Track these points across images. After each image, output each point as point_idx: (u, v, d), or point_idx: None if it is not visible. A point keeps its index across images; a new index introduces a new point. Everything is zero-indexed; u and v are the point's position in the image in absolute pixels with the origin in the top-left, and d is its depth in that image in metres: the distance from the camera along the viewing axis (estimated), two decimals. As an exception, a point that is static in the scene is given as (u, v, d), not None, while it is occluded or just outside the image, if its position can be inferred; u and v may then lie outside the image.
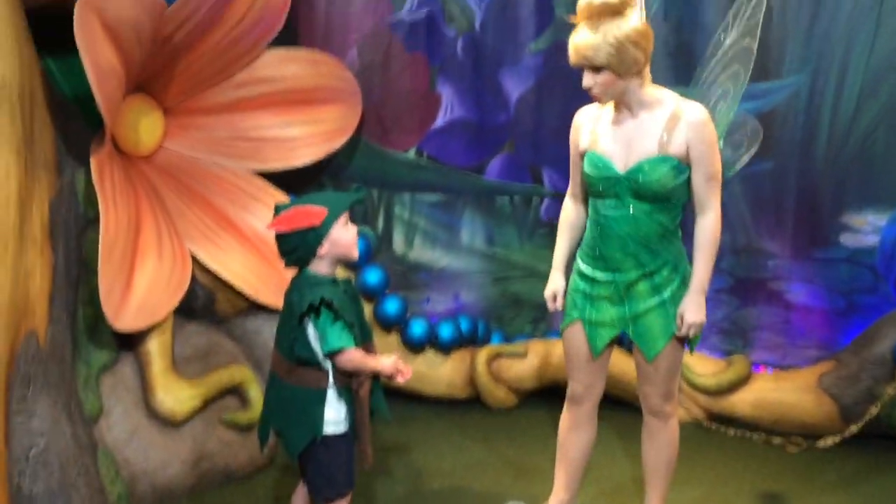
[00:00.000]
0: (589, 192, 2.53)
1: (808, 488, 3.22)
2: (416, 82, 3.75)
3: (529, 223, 3.92)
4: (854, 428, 3.43)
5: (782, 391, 3.57)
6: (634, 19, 2.28)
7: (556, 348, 3.78)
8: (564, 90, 3.73)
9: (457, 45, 3.71)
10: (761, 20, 3.29)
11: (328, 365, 2.24)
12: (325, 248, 2.22)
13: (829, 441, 3.46)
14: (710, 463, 3.37)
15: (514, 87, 3.78)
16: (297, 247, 2.21)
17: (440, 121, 3.79)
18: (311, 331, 2.21)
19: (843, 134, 3.53)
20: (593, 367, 2.62)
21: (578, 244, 2.65)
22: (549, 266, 3.86)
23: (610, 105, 2.47)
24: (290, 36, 3.54)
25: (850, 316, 3.68)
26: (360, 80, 3.61)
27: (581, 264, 2.57)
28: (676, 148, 2.36)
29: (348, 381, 2.25)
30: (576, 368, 2.64)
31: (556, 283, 2.67)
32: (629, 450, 3.43)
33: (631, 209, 2.41)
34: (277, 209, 2.25)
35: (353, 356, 2.21)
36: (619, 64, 2.27)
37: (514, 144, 3.83)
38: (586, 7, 2.28)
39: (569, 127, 3.74)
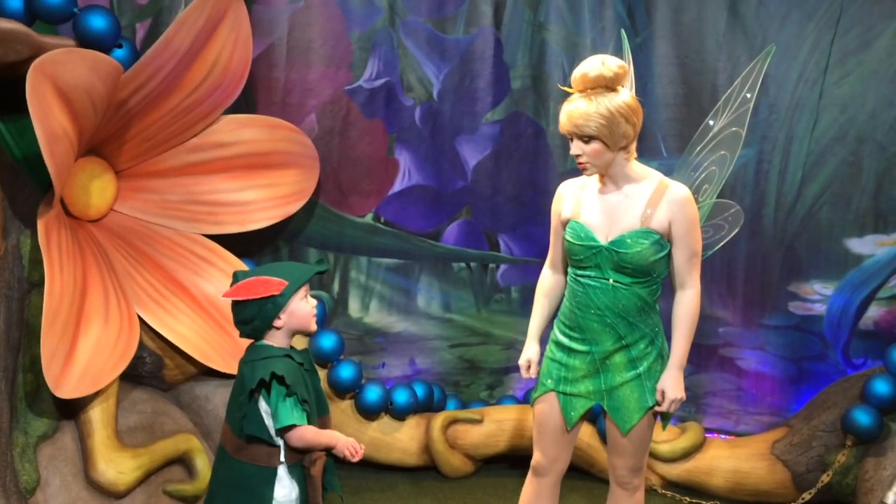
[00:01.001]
0: (570, 262, 2.55)
1: (764, 558, 3.21)
2: (374, 148, 3.79)
3: (486, 289, 3.93)
4: (807, 496, 3.44)
5: (736, 458, 3.58)
6: (626, 94, 2.36)
7: (512, 414, 3.75)
8: (521, 158, 3.81)
9: (415, 113, 3.77)
10: (751, 108, 3.41)
11: (280, 441, 2.18)
12: (282, 320, 2.19)
13: (783, 509, 3.48)
14: (666, 532, 3.35)
15: (471, 154, 3.84)
16: (253, 317, 2.17)
17: (398, 186, 3.83)
18: (262, 406, 2.16)
19: (790, 204, 3.64)
20: (563, 439, 2.59)
21: (554, 314, 2.66)
22: (506, 332, 3.94)
23: (594, 177, 2.51)
24: (248, 102, 3.57)
25: (801, 383, 3.73)
26: (319, 146, 3.64)
27: (558, 334, 2.57)
28: (658, 224, 2.40)
29: (301, 458, 2.19)
30: (545, 440, 2.61)
31: (530, 351, 2.67)
32: (585, 519, 3.39)
33: (611, 281, 2.43)
34: (236, 277, 2.21)
35: (305, 434, 2.16)
36: (609, 135, 2.33)
37: (470, 210, 3.87)
38: (581, 78, 2.35)
39: (525, 193, 3.85)
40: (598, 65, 2.34)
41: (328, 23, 3.64)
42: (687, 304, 2.44)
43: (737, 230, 3.43)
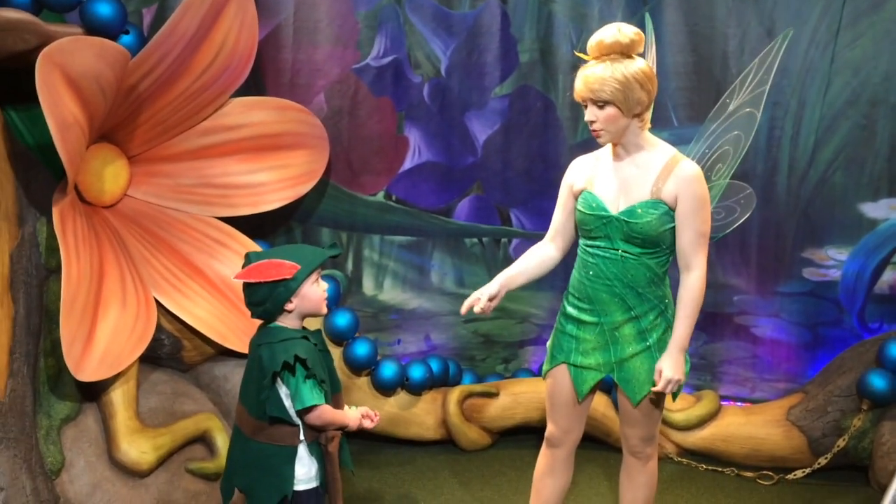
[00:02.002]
0: (581, 233, 2.55)
1: (780, 522, 3.24)
2: (383, 126, 3.80)
3: (499, 263, 3.94)
4: (823, 460, 3.46)
5: (752, 425, 3.60)
6: (642, 61, 2.36)
7: (528, 387, 3.78)
8: (531, 132, 3.80)
9: (423, 90, 3.77)
10: (768, 90, 3.38)
11: (299, 421, 2.21)
12: (293, 304, 2.20)
13: (798, 474, 3.49)
14: (683, 499, 3.37)
15: (481, 130, 3.83)
16: (264, 299, 2.19)
17: (408, 164, 3.84)
18: (282, 388, 2.19)
19: (803, 169, 3.61)
20: (575, 410, 2.61)
21: (529, 279, 2.62)
22: (520, 306, 3.96)
23: (606, 150, 2.52)
24: (256, 84, 3.58)
25: (816, 349, 3.73)
26: (328, 126, 3.65)
27: (567, 307, 2.58)
28: (667, 196, 2.39)
29: (318, 436, 2.23)
30: (557, 412, 2.63)
31: (486, 288, 2.53)
32: (600, 488, 3.42)
33: (620, 251, 2.44)
34: (248, 259, 2.23)
35: (324, 413, 2.19)
36: (624, 101, 2.33)
37: (481, 186, 3.87)
38: (597, 45, 2.36)
39: (535, 168, 3.84)
40: (614, 31, 2.35)
41: (334, 2, 3.64)
42: (691, 286, 2.43)
43: (749, 213, 3.43)
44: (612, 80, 2.31)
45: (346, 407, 2.33)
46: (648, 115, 2.45)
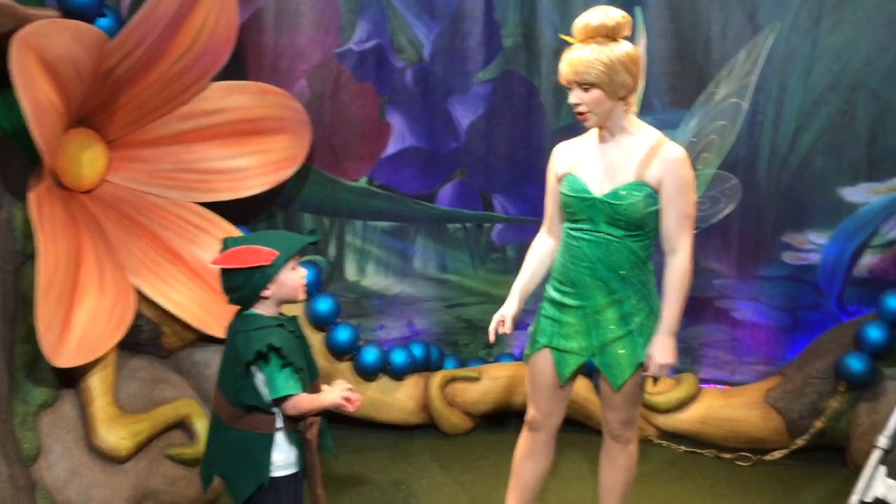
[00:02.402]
0: (565, 216, 2.55)
1: (758, 502, 3.27)
2: (366, 111, 3.78)
3: (482, 249, 3.95)
4: (800, 441, 3.50)
5: (731, 407, 3.63)
6: (627, 44, 2.37)
7: (509, 371, 3.80)
8: (514, 117, 3.79)
9: (406, 75, 3.76)
10: (754, 82, 3.39)
11: (276, 408, 2.20)
12: (270, 290, 2.18)
13: (777, 455, 3.53)
14: (662, 480, 3.41)
15: (464, 115, 3.82)
16: (241, 285, 2.17)
17: (391, 149, 3.82)
18: (258, 376, 2.18)
19: (784, 154, 3.63)
20: (557, 394, 2.62)
21: (542, 279, 2.64)
22: (503, 291, 3.95)
23: (591, 135, 2.53)
24: (237, 68, 3.56)
25: (795, 332, 3.76)
26: (310, 110, 3.63)
27: (551, 290, 2.59)
28: (651, 178, 2.40)
29: (297, 424, 2.22)
30: (538, 395, 2.64)
31: (508, 307, 2.63)
32: (580, 471, 3.45)
33: (604, 234, 2.45)
34: (226, 244, 2.21)
35: (300, 402, 2.18)
36: (609, 83, 2.34)
37: (465, 171, 3.87)
38: (583, 28, 2.36)
39: (519, 153, 3.84)
40: (600, 14, 2.35)
41: (316, -15, 3.61)
42: (677, 269, 2.44)
43: (734, 205, 3.44)
44: (597, 62, 2.32)
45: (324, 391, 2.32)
46: (633, 99, 2.46)
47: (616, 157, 2.44)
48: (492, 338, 2.64)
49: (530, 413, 2.68)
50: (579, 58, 2.34)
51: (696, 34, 3.57)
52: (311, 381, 2.25)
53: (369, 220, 3.89)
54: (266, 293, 2.19)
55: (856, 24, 3.45)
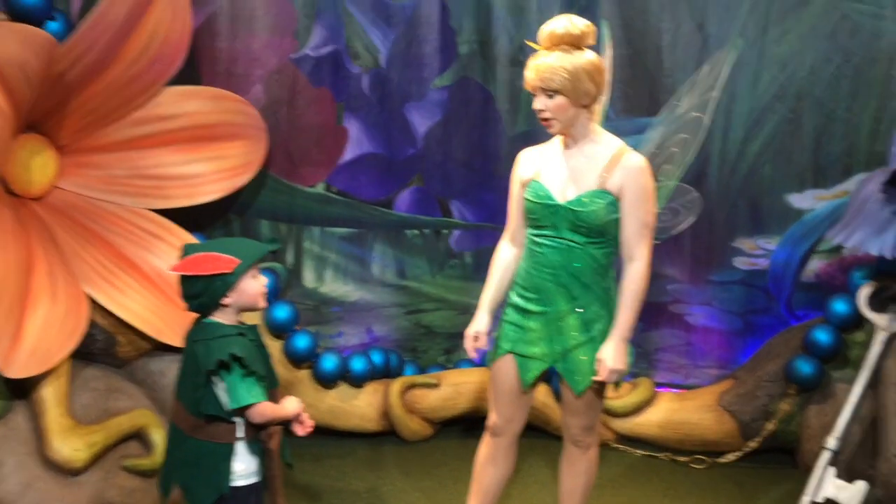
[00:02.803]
0: (527, 223, 2.57)
1: (713, 503, 3.32)
2: (322, 117, 3.77)
3: (440, 255, 3.96)
4: (753, 444, 3.58)
5: (686, 411, 3.70)
6: (591, 53, 2.40)
7: (469, 377, 3.82)
8: (471, 124, 3.82)
9: (362, 81, 3.75)
10: (716, 98, 3.46)
11: (237, 418, 2.18)
12: (230, 298, 2.16)
13: (730, 457, 3.60)
14: (620, 484, 3.45)
15: (421, 121, 3.83)
16: (201, 293, 2.15)
17: (348, 155, 3.81)
18: (219, 385, 2.15)
19: (732, 161, 3.71)
20: (519, 400, 2.63)
21: (508, 288, 2.65)
22: (461, 297, 3.98)
23: (554, 142, 2.55)
24: (191, 73, 3.51)
25: (747, 336, 3.84)
26: (266, 116, 3.60)
27: (514, 296, 2.60)
28: (613, 187, 2.43)
29: (258, 433, 2.20)
30: (501, 401, 2.64)
31: (480, 323, 2.64)
32: (540, 476, 3.47)
33: (566, 241, 2.47)
34: (186, 251, 2.18)
35: (265, 409, 2.16)
36: (573, 90, 2.36)
37: (422, 178, 3.88)
38: (549, 35, 2.39)
39: (475, 159, 3.86)
40: (565, 23, 2.39)
41: (270, -10, 3.59)
42: (633, 276, 2.46)
43: (694, 218, 3.50)
44: (561, 69, 2.35)
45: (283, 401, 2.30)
46: (597, 108, 2.50)
47: (579, 165, 2.47)
48: (472, 355, 2.66)
49: (492, 418, 2.69)
50: (544, 64, 2.37)
51: (647, 43, 3.64)
52: (271, 389, 2.23)
53: (327, 227, 3.87)
54: (226, 301, 2.16)
55: (801, 35, 3.55)
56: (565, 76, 2.35)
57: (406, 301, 3.97)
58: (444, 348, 4.06)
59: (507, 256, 2.67)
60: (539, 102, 2.42)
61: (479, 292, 3.91)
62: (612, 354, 2.47)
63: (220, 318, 2.20)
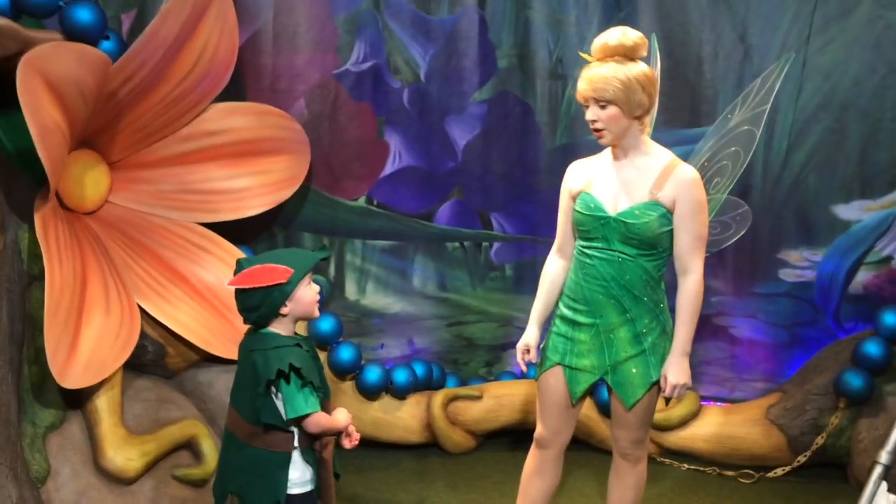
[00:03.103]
0: (578, 234, 2.57)
1: (761, 519, 3.29)
2: (363, 131, 3.81)
3: (480, 267, 3.97)
4: (802, 458, 3.52)
5: (732, 424, 3.65)
6: (644, 65, 2.42)
7: (511, 389, 3.81)
8: (510, 137, 3.83)
9: (403, 95, 3.79)
10: (768, 110, 3.45)
11: (293, 427, 2.21)
12: (287, 308, 2.21)
13: (778, 472, 3.55)
14: (667, 498, 3.41)
15: (461, 134, 3.86)
16: (259, 304, 2.19)
17: (389, 168, 3.85)
18: (276, 395, 2.18)
19: (776, 172, 3.68)
20: (567, 412, 2.63)
21: (557, 300, 2.65)
22: (502, 309, 3.98)
23: (604, 154, 2.56)
24: (236, 89, 3.58)
25: (793, 348, 3.79)
26: (309, 131, 3.65)
27: (563, 308, 2.60)
28: (665, 199, 2.43)
29: (313, 442, 2.23)
30: (549, 413, 2.64)
31: (530, 336, 2.66)
32: (585, 489, 3.45)
33: (618, 253, 2.46)
34: (240, 265, 2.23)
35: (321, 419, 2.19)
36: (626, 101, 2.37)
37: (462, 190, 3.90)
38: (602, 47, 2.41)
39: (515, 172, 3.87)
40: (618, 34, 2.40)
41: (313, 7, 3.65)
42: (689, 289, 2.45)
43: (744, 231, 3.48)
44: (615, 80, 2.36)
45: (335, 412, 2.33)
46: (648, 120, 2.50)
47: (630, 177, 2.47)
48: (523, 368, 2.68)
49: (539, 430, 2.68)
50: (598, 75, 2.38)
51: (688, 55, 3.63)
52: (324, 400, 2.26)
53: (368, 240, 3.91)
54: (284, 311, 2.21)
55: (844, 45, 3.52)
56: (619, 87, 2.36)
57: (447, 313, 3.98)
58: (485, 360, 4.06)
59: (555, 268, 2.67)
60: (592, 113, 2.42)
61: (520, 304, 3.98)
62: (675, 370, 2.46)
63: (276, 328, 2.24)
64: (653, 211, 2.43)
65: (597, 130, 2.44)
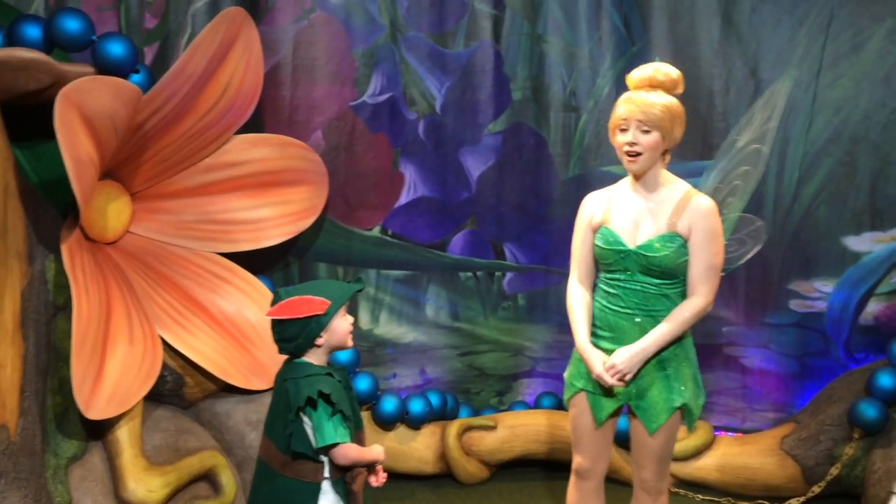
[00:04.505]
0: (600, 266, 2.61)
1: (777, 550, 3.29)
2: (379, 162, 3.85)
3: (493, 297, 3.99)
4: (816, 489, 3.53)
5: (746, 455, 3.66)
6: (678, 101, 2.49)
7: (525, 420, 3.82)
8: (523, 168, 3.88)
9: (418, 126, 3.84)
10: (775, 128, 3.52)
11: (324, 457, 2.23)
12: (323, 338, 2.24)
13: (793, 502, 3.55)
14: (682, 530, 3.42)
15: (475, 165, 3.90)
16: (296, 335, 2.22)
17: (404, 199, 3.88)
18: (307, 423, 2.21)
19: (788, 204, 3.73)
20: (597, 438, 2.63)
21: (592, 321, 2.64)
22: (514, 339, 3.99)
23: (621, 186, 2.60)
24: (255, 120, 3.61)
25: (804, 379, 3.81)
26: (326, 161, 3.69)
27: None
28: (683, 230, 2.48)
29: (343, 474, 2.25)
30: (581, 440, 2.65)
31: (598, 359, 2.53)
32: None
33: (640, 283, 2.50)
34: (279, 296, 2.26)
35: (349, 451, 2.21)
36: (668, 130, 2.44)
37: (476, 220, 3.93)
38: (649, 78, 2.47)
39: (528, 203, 3.91)
40: (664, 68, 2.49)
41: (332, 41, 3.70)
42: (689, 305, 2.48)
43: (759, 246, 3.52)
44: (663, 107, 2.42)
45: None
46: (669, 156, 2.56)
47: (648, 209, 2.52)
48: (617, 383, 2.53)
49: (576, 460, 2.68)
50: (646, 99, 2.43)
51: (700, 88, 3.69)
52: (356, 432, 2.27)
53: (382, 269, 3.93)
54: (319, 341, 2.24)
55: (855, 79, 3.59)
56: (667, 114, 2.42)
57: (459, 343, 3.99)
58: (497, 390, 4.07)
59: (582, 292, 2.65)
60: (632, 136, 2.45)
61: (532, 334, 4.00)
62: (625, 355, 2.47)
63: (311, 358, 2.27)
64: (672, 242, 2.47)
65: (632, 155, 2.47)
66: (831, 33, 3.57)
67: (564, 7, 3.72)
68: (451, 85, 3.82)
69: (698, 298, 2.49)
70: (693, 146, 3.72)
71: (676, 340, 2.53)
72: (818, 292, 3.76)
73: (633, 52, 3.70)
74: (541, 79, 3.80)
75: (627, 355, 2.47)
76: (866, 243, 3.68)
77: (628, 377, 2.49)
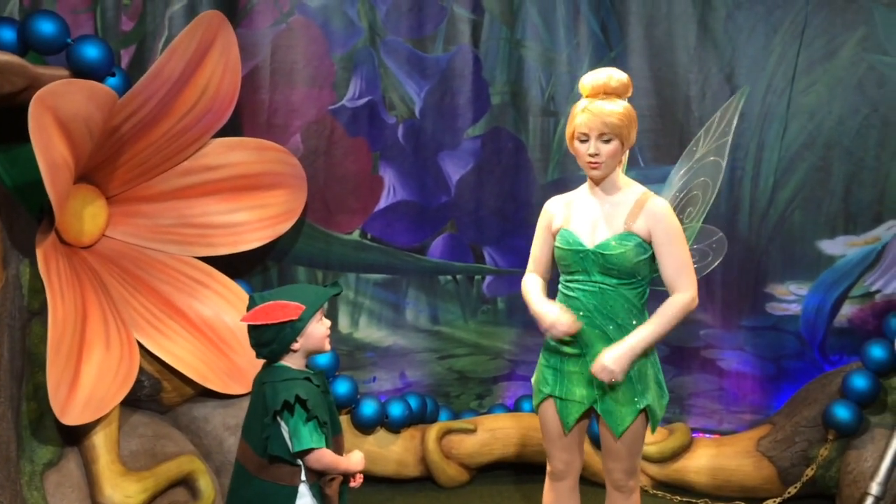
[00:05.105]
0: (560, 269, 2.64)
1: (754, 551, 3.32)
2: (358, 166, 3.85)
3: (473, 300, 4.00)
4: (792, 490, 3.57)
5: (723, 456, 3.69)
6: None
7: (505, 423, 3.82)
8: (502, 172, 3.89)
9: (398, 130, 3.84)
10: (730, 142, 3.56)
11: (300, 460, 2.23)
12: (299, 343, 2.25)
13: (770, 503, 3.58)
14: (659, 531, 3.44)
15: (454, 169, 3.91)
16: (271, 340, 2.23)
17: (383, 203, 3.88)
18: (283, 427, 2.21)
19: (763, 208, 3.77)
20: (568, 441, 2.66)
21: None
22: (494, 342, 4.00)
23: (580, 190, 2.65)
24: (234, 124, 3.60)
25: (780, 381, 3.85)
26: (305, 165, 3.68)
27: (550, 340, 2.64)
28: (640, 230, 2.51)
29: (319, 478, 2.25)
30: (552, 445, 2.69)
31: (552, 307, 2.55)
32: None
33: (598, 284, 2.53)
34: (253, 301, 2.26)
35: (323, 457, 2.21)
36: (627, 136, 2.49)
37: (455, 224, 3.94)
38: (603, 85, 2.49)
39: (507, 207, 3.93)
40: (616, 74, 2.51)
41: (310, 44, 3.70)
42: (675, 300, 2.50)
43: (721, 258, 3.57)
44: (623, 116, 2.47)
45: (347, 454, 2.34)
46: (626, 157, 2.61)
47: (605, 211, 2.56)
48: (573, 329, 2.53)
49: (550, 463, 2.72)
50: (606, 109, 2.46)
51: (676, 93, 3.73)
52: (334, 436, 2.27)
53: (362, 273, 3.93)
54: (295, 346, 2.24)
55: (828, 86, 3.64)
56: (625, 122, 2.47)
57: (439, 346, 4.00)
58: (477, 393, 4.08)
59: (537, 278, 2.72)
60: (594, 147, 2.48)
61: (511, 337, 4.01)
62: (613, 355, 2.47)
63: (288, 362, 2.27)
64: (628, 241, 2.51)
65: (596, 164, 2.51)
66: (805, 40, 3.62)
67: (543, 12, 3.74)
68: (431, 89, 3.82)
69: (681, 293, 2.52)
70: (669, 150, 3.75)
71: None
72: (793, 295, 3.80)
73: (610, 58, 3.73)
74: (519, 83, 3.82)
75: (616, 356, 2.48)
76: (840, 247, 3.73)
77: (620, 377, 2.49)
